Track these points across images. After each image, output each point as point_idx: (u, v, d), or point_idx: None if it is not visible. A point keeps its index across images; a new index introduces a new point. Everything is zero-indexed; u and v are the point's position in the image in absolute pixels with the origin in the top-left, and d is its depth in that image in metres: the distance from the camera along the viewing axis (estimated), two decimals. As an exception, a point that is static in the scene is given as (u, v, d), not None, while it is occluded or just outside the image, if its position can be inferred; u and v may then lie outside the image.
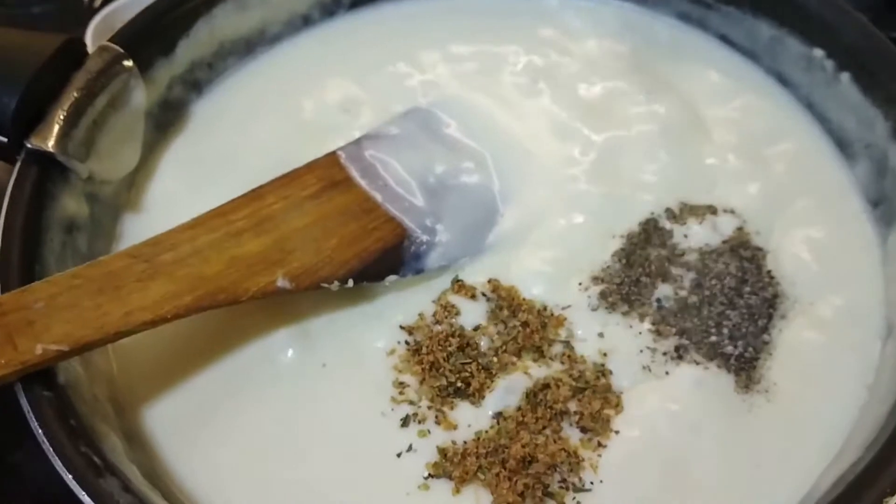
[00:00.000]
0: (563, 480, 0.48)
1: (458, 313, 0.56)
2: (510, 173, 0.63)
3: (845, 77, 0.64)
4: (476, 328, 0.55)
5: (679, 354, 0.54)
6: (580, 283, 0.58)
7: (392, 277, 0.57)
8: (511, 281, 0.58)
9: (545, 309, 0.56)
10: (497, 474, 0.48)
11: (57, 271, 0.53)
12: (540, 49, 0.72)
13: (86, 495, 0.43)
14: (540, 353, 0.54)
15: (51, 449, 0.44)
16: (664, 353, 0.54)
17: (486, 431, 0.51)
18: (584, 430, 0.51)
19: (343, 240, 0.56)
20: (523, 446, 0.49)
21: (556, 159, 0.64)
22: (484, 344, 0.55)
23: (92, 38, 0.89)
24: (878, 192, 0.61)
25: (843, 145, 0.65)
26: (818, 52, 0.65)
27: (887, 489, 0.42)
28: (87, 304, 0.48)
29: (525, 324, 0.55)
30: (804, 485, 0.48)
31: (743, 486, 0.49)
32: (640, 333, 0.55)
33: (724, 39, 0.72)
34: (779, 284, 0.57)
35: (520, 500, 0.48)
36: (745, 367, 0.53)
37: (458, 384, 0.53)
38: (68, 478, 0.44)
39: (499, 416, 0.52)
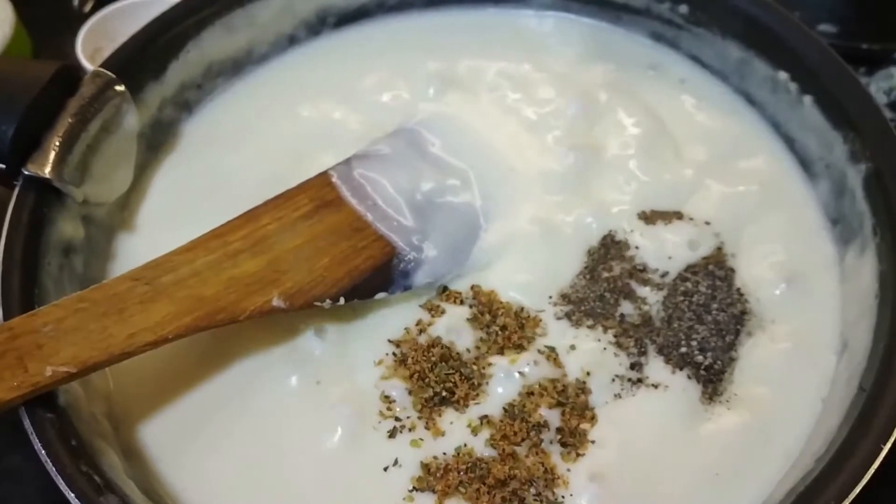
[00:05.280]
0: (539, 494, 0.51)
1: (443, 313, 0.59)
2: (492, 190, 0.65)
3: (808, 100, 0.66)
4: (459, 335, 0.58)
5: (646, 366, 0.57)
6: (550, 297, 0.60)
7: (381, 294, 0.59)
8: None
9: (522, 310, 0.59)
10: (477, 489, 0.51)
11: (55, 295, 0.55)
12: (519, 66, 0.75)
13: (87, 513, 0.45)
14: (522, 349, 0.57)
15: (54, 469, 0.46)
16: (632, 366, 0.57)
17: (466, 445, 0.53)
18: (563, 444, 0.53)
19: (334, 259, 0.58)
20: (502, 462, 0.52)
21: (535, 175, 0.67)
22: (466, 352, 0.57)
23: (83, 43, 0.89)
24: (837, 211, 0.64)
25: (805, 164, 0.68)
26: (783, 75, 0.68)
27: (832, 500, 0.44)
28: (93, 326, 0.50)
29: (504, 327, 0.58)
30: (760, 494, 0.51)
31: (704, 495, 0.52)
32: (606, 347, 0.57)
33: (696, 59, 0.75)
34: (747, 301, 0.60)
35: (498, 512, 0.51)
36: (713, 380, 0.56)
37: (444, 393, 0.55)
38: (71, 496, 0.46)
39: (483, 419, 0.54)
